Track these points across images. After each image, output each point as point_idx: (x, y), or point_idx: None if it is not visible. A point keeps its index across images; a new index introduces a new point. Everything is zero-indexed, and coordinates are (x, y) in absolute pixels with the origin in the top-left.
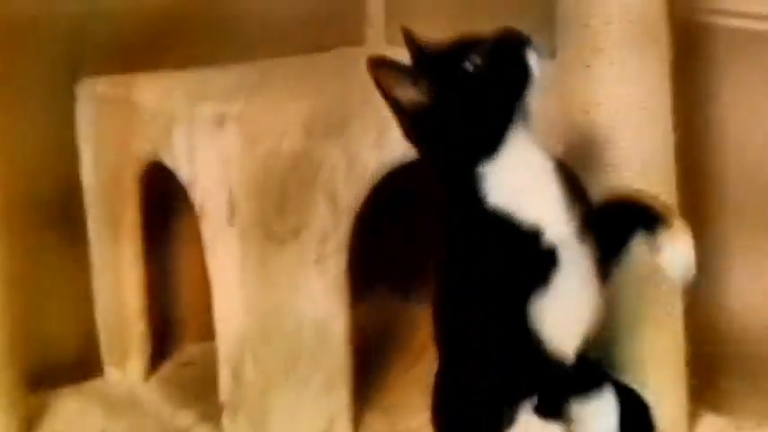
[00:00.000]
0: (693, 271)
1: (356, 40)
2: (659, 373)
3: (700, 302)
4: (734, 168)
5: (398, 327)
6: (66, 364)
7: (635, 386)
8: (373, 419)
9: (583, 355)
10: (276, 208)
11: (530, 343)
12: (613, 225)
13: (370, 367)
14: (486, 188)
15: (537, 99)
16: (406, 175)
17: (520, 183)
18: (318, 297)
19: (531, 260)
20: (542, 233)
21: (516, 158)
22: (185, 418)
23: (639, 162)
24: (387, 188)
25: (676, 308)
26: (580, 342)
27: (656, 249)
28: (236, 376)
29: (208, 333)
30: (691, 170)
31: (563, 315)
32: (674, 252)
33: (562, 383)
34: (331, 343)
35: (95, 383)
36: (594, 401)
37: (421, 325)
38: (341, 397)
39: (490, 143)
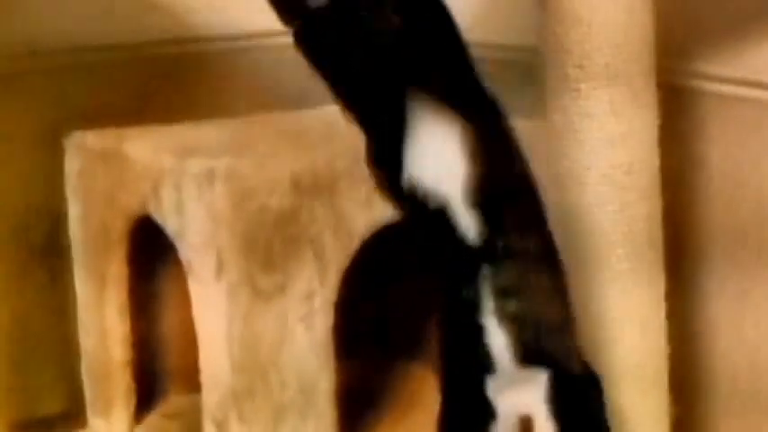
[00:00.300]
0: None
1: None
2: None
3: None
4: (722, 226)
5: (385, 384)
6: (51, 417)
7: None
8: None
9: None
10: (263, 264)
11: None
12: None
13: (355, 424)
14: None
15: None
16: (397, 234)
17: None
18: (305, 354)
19: None
20: None
21: None
22: None
23: (627, 226)
24: (377, 247)
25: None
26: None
27: None
28: (221, 429)
29: (193, 386)
30: (679, 229)
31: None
32: None
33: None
34: (317, 400)
35: None
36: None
37: (407, 383)
38: None
39: None
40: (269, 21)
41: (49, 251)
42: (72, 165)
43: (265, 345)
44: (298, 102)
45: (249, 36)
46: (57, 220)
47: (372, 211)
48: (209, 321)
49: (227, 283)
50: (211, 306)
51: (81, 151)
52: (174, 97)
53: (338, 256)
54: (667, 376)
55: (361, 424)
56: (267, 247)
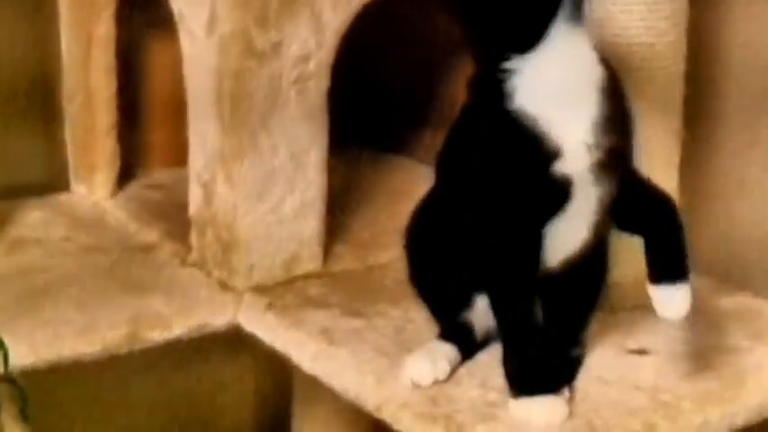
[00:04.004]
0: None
1: None
2: None
3: None
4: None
5: (372, 175)
6: (33, 182)
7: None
8: (343, 251)
9: None
10: (258, 20)
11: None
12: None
13: (342, 209)
14: (514, 87)
15: None
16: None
17: (551, 93)
18: (296, 120)
19: (538, 186)
20: (559, 157)
21: (556, 60)
22: (149, 235)
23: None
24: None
25: None
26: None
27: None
28: (207, 192)
29: (175, 160)
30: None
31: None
32: (669, 301)
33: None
34: (306, 169)
35: (61, 197)
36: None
37: (395, 174)
38: (312, 225)
39: (526, 34)
40: None
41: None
42: None
43: (257, 107)
44: None
45: None
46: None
47: None
48: (198, 78)
49: (219, 39)
50: (202, 62)
51: None
52: None
53: (335, 19)
54: None
55: (346, 208)
56: (263, 0)
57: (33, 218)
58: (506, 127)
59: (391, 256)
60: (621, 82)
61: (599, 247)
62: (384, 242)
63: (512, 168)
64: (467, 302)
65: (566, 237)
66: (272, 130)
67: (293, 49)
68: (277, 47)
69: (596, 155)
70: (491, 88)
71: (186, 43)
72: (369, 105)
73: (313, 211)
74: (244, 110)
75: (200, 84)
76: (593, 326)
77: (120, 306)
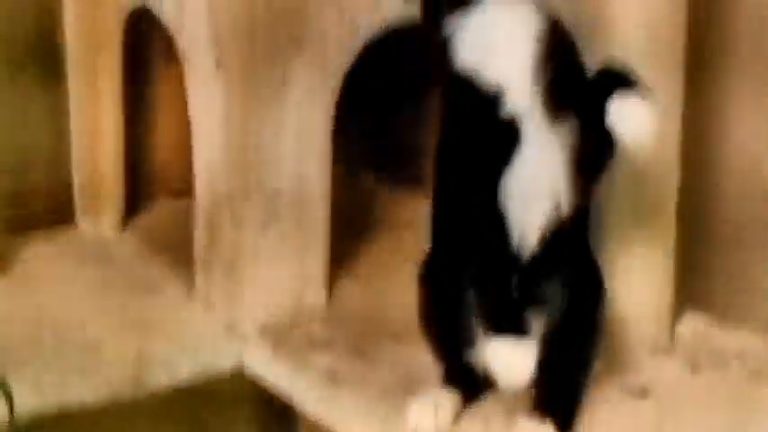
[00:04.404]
0: (645, 137)
1: None
2: (647, 261)
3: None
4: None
5: (377, 208)
6: (41, 216)
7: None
8: (349, 287)
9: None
10: (263, 58)
11: (496, 223)
12: (595, 97)
13: (346, 241)
14: (456, 48)
15: None
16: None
17: (488, 43)
18: (300, 155)
19: (487, 130)
20: (502, 98)
21: (489, 17)
22: (157, 271)
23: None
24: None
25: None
26: (541, 233)
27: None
28: (213, 231)
29: (182, 191)
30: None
31: (521, 193)
32: (626, 113)
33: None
34: (311, 203)
35: (68, 232)
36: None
37: (400, 208)
38: (317, 258)
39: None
40: None
41: (44, 41)
42: None
43: (262, 143)
44: None
45: None
46: (52, 17)
47: (378, 14)
48: (205, 116)
49: (225, 76)
50: (208, 100)
51: None
52: None
53: (341, 56)
54: None
55: (350, 241)
56: (268, 41)
57: (40, 253)
58: (452, 85)
59: (397, 292)
60: (563, 27)
61: (581, 235)
62: (389, 278)
63: (461, 118)
64: (473, 338)
65: (536, 189)
66: (276, 164)
67: (298, 87)
68: (282, 83)
69: (538, 88)
70: (443, 60)
71: (193, 82)
72: (375, 140)
73: (317, 243)
74: (249, 149)
75: (206, 121)
76: (596, 365)
77: (125, 348)
